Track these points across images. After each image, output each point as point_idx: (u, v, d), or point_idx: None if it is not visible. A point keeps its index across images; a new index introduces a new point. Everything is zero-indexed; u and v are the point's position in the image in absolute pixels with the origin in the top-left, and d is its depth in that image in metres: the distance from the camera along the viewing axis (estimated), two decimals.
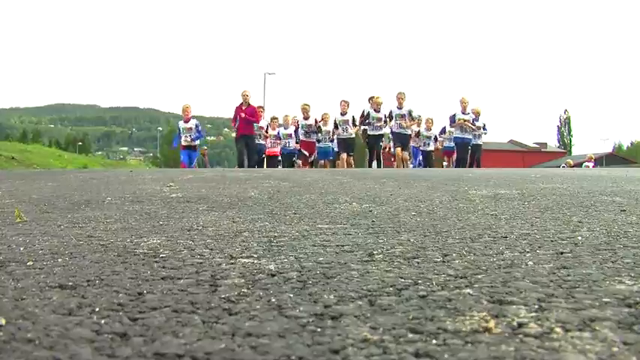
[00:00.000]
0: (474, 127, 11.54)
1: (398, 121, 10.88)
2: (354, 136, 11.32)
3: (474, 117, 11.56)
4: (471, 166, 11.45)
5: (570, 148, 67.74)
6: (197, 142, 11.80)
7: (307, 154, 11.68)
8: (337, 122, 11.18)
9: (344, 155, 11.14)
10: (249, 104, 11.15)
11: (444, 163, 13.65)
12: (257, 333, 0.57)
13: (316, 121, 11.58)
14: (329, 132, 11.88)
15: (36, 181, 3.06)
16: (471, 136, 11.53)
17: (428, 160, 12.89)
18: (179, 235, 1.23)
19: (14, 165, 13.89)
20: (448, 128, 12.23)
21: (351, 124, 11.15)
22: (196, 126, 11.63)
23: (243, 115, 10.79)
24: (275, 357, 0.51)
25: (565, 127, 71.37)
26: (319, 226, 1.35)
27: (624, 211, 1.58)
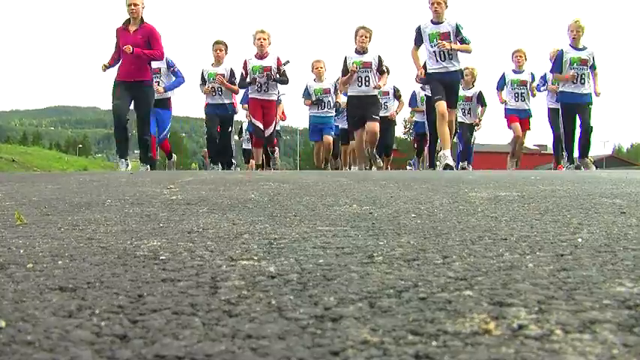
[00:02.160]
0: (594, 72, 6.39)
1: (435, 45, 5.83)
2: (376, 93, 6.54)
3: (593, 58, 6.45)
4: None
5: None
6: (170, 92, 7.06)
7: (260, 127, 6.85)
8: (349, 66, 6.35)
9: (360, 131, 6.42)
10: (143, 22, 5.92)
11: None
12: (257, 335, 0.57)
13: (280, 63, 6.75)
14: (327, 91, 7.42)
15: (36, 184, 3.07)
16: (589, 90, 6.50)
17: (467, 145, 7.64)
18: (179, 238, 1.23)
19: (14, 167, 13.90)
20: (551, 77, 6.88)
21: (375, 71, 6.35)
22: (169, 65, 6.89)
23: (130, 48, 5.68)
24: (275, 359, 0.51)
25: None
26: (319, 228, 1.35)
27: (624, 213, 1.58)
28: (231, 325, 0.61)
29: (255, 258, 0.98)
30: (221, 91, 7.18)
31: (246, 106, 7.85)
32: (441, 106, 5.88)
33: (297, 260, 0.95)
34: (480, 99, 7.86)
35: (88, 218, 1.59)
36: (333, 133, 8.35)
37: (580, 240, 1.13)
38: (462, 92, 7.17)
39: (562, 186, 2.63)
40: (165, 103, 7.13)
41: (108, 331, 0.59)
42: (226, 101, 7.31)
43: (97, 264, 0.94)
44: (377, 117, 6.49)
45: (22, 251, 1.07)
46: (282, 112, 9.51)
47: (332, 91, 7.85)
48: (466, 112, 7.76)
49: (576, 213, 1.59)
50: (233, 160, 8.17)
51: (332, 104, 7.90)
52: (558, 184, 2.74)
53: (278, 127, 9.61)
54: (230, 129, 7.55)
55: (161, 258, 0.99)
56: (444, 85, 5.97)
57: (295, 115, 28.77)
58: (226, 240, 1.19)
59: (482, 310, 0.65)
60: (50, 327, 0.60)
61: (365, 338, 0.56)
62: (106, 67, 6.18)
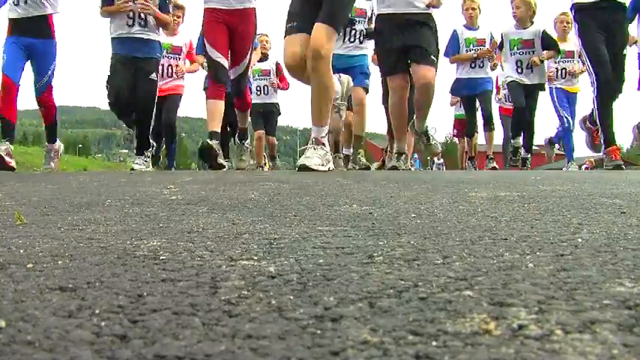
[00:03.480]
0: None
1: None
2: (428, 10, 4.01)
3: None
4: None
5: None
6: (54, 4, 4.28)
7: (223, 63, 4.06)
8: None
9: (399, 80, 4.01)
10: None
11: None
12: (257, 335, 0.57)
13: None
14: (363, 20, 4.92)
15: (36, 184, 3.07)
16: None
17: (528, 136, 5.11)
18: (179, 237, 1.23)
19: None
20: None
21: None
22: None
23: None
24: (275, 359, 0.51)
25: None
26: (319, 228, 1.35)
27: (624, 213, 1.58)
28: (231, 325, 0.61)
29: (255, 258, 0.98)
30: (144, 19, 4.27)
31: (202, 57, 4.62)
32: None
33: (297, 260, 0.95)
34: (546, 40, 5.05)
35: (88, 218, 1.59)
36: (367, 82, 5.06)
37: (580, 240, 1.13)
38: (517, 35, 4.94)
39: (562, 186, 2.63)
40: (43, 28, 4.15)
41: (108, 331, 0.59)
42: (152, 36, 4.37)
43: (97, 264, 0.94)
44: (433, 58, 3.85)
45: (22, 251, 1.07)
46: (282, 78, 7.21)
47: (368, 18, 4.93)
48: (523, 65, 4.95)
49: (576, 213, 1.59)
50: (152, 142, 5.24)
51: (363, 32, 4.90)
52: (558, 184, 2.75)
53: (275, 100, 6.78)
54: (154, 76, 4.50)
55: (161, 258, 0.99)
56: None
57: (295, 114, 28.20)
58: (226, 240, 1.19)
59: (483, 310, 0.65)
60: (50, 327, 0.60)
61: (365, 338, 0.56)
62: None
